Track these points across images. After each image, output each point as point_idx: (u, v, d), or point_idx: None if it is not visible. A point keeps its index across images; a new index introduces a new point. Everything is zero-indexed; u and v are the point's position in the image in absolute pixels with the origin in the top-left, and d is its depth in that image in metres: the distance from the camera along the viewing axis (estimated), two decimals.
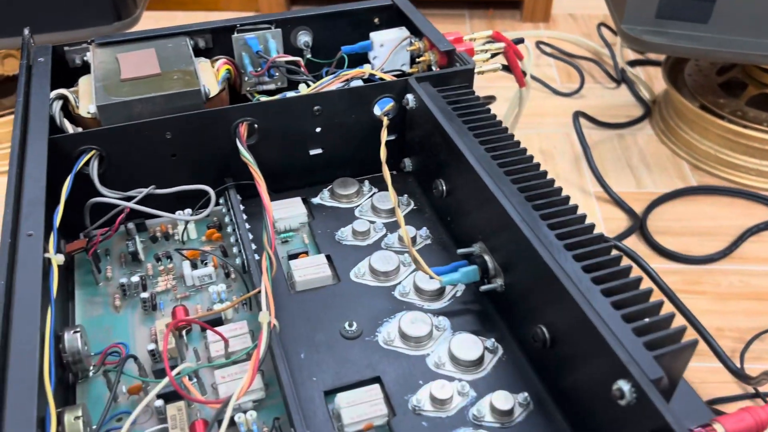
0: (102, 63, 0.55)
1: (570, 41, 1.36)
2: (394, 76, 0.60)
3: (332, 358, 0.43)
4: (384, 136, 0.54)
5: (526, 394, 0.40)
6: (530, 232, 0.41)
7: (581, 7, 1.50)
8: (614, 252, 0.39)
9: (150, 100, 0.51)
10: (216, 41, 0.61)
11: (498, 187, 0.44)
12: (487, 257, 0.46)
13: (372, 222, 0.54)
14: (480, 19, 1.45)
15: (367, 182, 0.58)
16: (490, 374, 0.42)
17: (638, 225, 0.91)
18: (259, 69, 0.61)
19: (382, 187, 0.58)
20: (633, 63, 1.27)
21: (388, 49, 0.63)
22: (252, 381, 0.37)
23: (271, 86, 0.63)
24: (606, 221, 0.93)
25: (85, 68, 0.58)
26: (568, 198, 0.44)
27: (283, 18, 0.62)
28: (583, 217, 0.42)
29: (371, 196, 0.57)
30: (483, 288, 0.45)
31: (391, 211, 0.55)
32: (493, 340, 0.44)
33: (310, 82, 0.59)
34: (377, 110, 0.56)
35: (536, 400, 0.41)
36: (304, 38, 0.63)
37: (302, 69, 0.61)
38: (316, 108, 0.54)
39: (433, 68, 0.60)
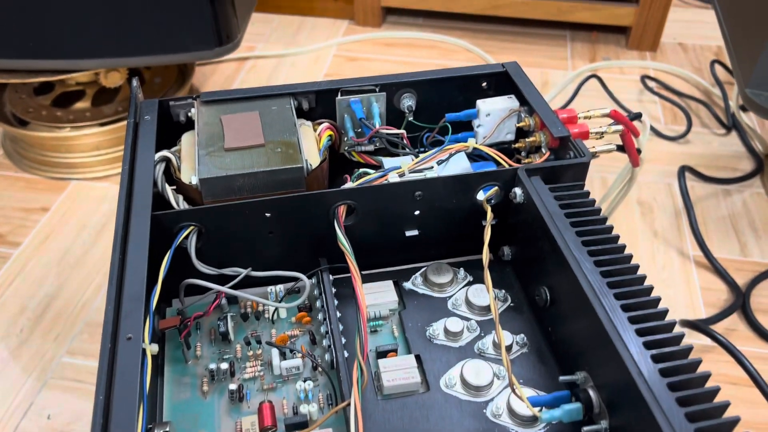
0: (206, 125, 0.55)
1: (679, 76, 1.28)
2: (498, 150, 0.57)
3: None
4: (489, 226, 0.51)
5: None
6: (644, 384, 0.37)
7: (694, 36, 1.40)
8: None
9: (252, 175, 0.50)
10: (319, 101, 0.60)
11: (609, 318, 0.41)
12: (592, 393, 0.43)
13: (466, 319, 0.52)
14: (582, 42, 1.39)
15: (462, 270, 0.56)
16: None
17: (740, 302, 0.85)
18: (361, 134, 0.59)
19: (478, 276, 0.56)
20: (746, 108, 1.19)
21: (494, 120, 0.60)
22: None
23: (370, 147, 0.61)
24: (705, 292, 0.87)
25: (188, 124, 0.58)
26: (681, 336, 0.40)
27: (389, 82, 0.60)
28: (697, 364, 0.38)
29: (466, 285, 0.55)
30: (586, 429, 0.42)
31: (487, 308, 0.52)
32: None
33: (412, 156, 0.57)
34: (480, 195, 0.54)
35: None
36: (407, 102, 0.61)
37: (405, 141, 0.59)
38: (417, 193, 0.52)
39: (543, 149, 0.57)
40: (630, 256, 0.46)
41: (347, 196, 0.51)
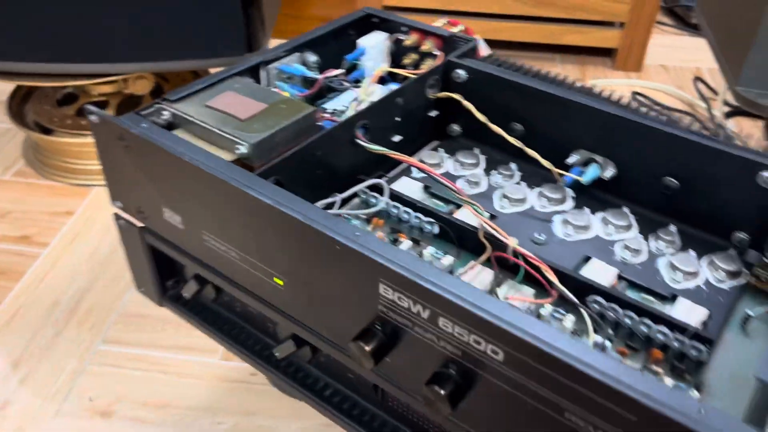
0: (200, 114, 0.52)
1: (664, 92, 1.36)
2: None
3: None
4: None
5: None
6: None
7: (674, 59, 1.50)
8: None
9: (285, 129, 0.50)
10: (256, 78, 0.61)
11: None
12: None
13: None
14: (572, 64, 1.47)
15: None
16: None
17: None
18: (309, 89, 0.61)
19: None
20: (730, 114, 1.27)
21: (380, 50, 0.65)
22: None
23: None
24: None
25: (169, 126, 0.53)
26: None
27: (293, 46, 0.61)
28: None
29: None
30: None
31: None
32: None
33: (351, 91, 0.61)
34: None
35: None
36: (311, 58, 0.63)
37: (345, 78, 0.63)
38: (397, 99, 0.57)
39: (436, 53, 0.62)
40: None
41: (363, 117, 0.53)
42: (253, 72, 0.58)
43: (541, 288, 0.45)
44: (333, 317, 0.42)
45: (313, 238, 0.39)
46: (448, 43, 0.63)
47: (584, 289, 0.44)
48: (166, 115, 0.51)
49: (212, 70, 0.93)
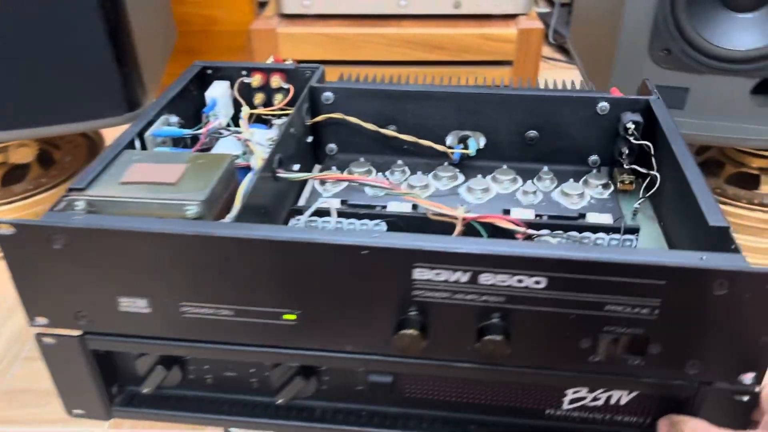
0: (124, 192, 0.48)
1: None
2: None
3: None
4: None
5: None
6: None
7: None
8: None
9: (221, 179, 0.49)
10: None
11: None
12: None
13: None
14: None
15: None
16: None
17: None
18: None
19: None
20: None
21: (227, 97, 0.67)
22: None
23: None
24: None
25: None
26: None
27: (156, 111, 0.59)
28: None
29: None
30: None
31: None
32: None
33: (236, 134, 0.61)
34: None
35: None
36: (173, 119, 0.63)
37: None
38: (291, 131, 0.62)
39: (283, 85, 0.67)
40: None
41: (276, 152, 0.57)
42: (131, 144, 0.56)
43: None
44: (362, 325, 0.44)
45: (332, 255, 0.41)
46: (294, 75, 0.67)
47: (531, 227, 0.52)
48: (81, 205, 0.47)
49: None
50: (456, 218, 0.51)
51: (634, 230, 0.52)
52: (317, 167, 0.67)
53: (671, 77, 0.73)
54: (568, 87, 0.69)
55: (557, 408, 0.49)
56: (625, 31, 0.72)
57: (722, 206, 0.86)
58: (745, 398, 0.43)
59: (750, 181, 0.92)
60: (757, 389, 0.42)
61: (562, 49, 1.84)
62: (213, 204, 0.48)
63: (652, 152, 0.56)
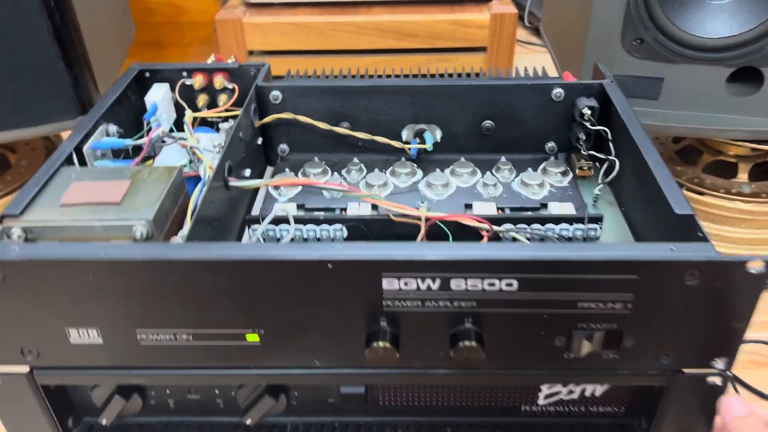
0: (64, 216, 0.44)
1: None
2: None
3: None
4: None
5: None
6: None
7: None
8: None
9: (169, 194, 0.47)
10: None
11: None
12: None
13: None
14: None
15: None
16: None
17: None
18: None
19: None
20: None
21: (168, 101, 0.64)
22: None
23: None
24: None
25: None
26: None
27: (93, 122, 0.56)
28: None
29: None
30: None
31: None
32: None
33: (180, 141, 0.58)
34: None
35: None
36: (112, 129, 0.59)
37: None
38: (240, 134, 0.59)
39: (227, 85, 0.64)
40: None
41: (225, 160, 0.55)
42: (69, 159, 0.52)
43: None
44: (331, 340, 0.42)
45: (294, 270, 0.39)
46: (238, 74, 0.64)
47: (495, 221, 0.51)
48: (17, 233, 0.43)
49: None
50: (419, 219, 0.50)
51: (597, 219, 0.51)
52: (269, 169, 0.64)
53: (645, 67, 0.71)
54: (532, 74, 0.67)
55: (533, 404, 0.49)
56: (596, 20, 0.69)
57: (699, 196, 0.88)
58: (718, 381, 0.43)
59: (727, 168, 0.90)
60: (728, 373, 0.43)
61: (538, 32, 1.70)
62: (162, 222, 0.45)
63: (609, 137, 0.56)
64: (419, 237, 0.49)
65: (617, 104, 0.57)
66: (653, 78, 0.72)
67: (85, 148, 0.53)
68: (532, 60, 1.63)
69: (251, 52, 1.26)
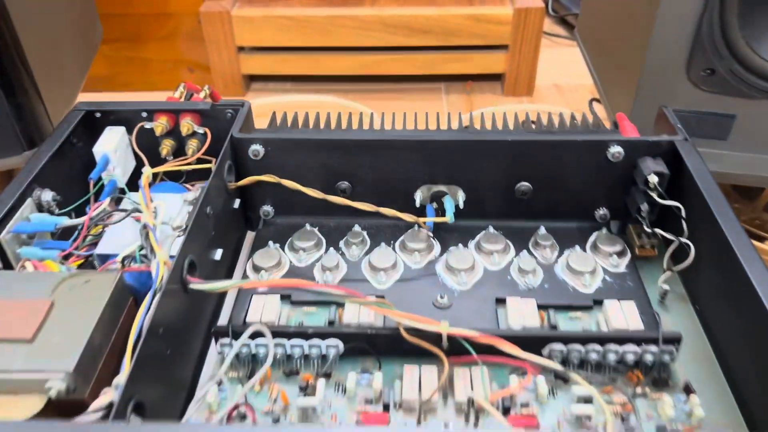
0: None
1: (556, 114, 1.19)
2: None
3: None
4: None
5: None
6: None
7: (568, 76, 1.32)
8: None
9: (101, 320, 0.37)
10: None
11: None
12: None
13: None
14: (458, 93, 1.25)
15: None
16: None
17: None
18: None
19: None
20: None
21: (123, 150, 0.52)
22: None
23: None
24: None
25: None
26: None
27: (19, 192, 0.43)
28: None
29: None
30: None
31: None
32: None
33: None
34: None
35: None
36: (47, 197, 0.46)
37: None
38: (208, 210, 0.47)
39: (197, 129, 0.52)
40: None
41: (186, 252, 0.43)
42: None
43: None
44: None
45: None
46: (211, 114, 0.51)
47: (536, 343, 0.39)
48: None
49: None
50: (438, 333, 0.38)
51: (674, 340, 0.39)
52: (250, 235, 0.52)
53: (713, 102, 0.57)
54: (568, 117, 0.54)
55: None
56: (656, 44, 0.55)
57: (761, 243, 0.70)
58: None
59: None
60: None
61: (565, 22, 1.52)
62: (89, 366, 0.33)
63: (683, 215, 0.43)
64: (441, 378, 0.37)
65: (694, 171, 0.44)
66: (723, 115, 0.59)
67: (2, 235, 0.40)
68: (559, 57, 1.45)
69: (241, 48, 1.12)
